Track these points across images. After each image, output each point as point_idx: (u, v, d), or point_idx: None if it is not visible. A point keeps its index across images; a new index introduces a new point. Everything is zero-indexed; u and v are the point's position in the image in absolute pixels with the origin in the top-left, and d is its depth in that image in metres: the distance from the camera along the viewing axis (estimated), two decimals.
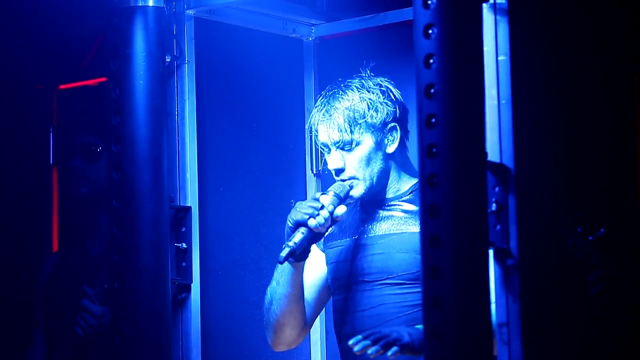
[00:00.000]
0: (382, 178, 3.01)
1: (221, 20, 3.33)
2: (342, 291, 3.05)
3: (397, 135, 3.01)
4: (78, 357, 3.53)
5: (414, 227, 2.95)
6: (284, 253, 2.86)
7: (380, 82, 3.02)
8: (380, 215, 3.03)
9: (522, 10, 2.31)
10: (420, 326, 2.71)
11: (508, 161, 2.26)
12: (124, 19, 2.89)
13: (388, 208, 3.03)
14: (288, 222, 2.92)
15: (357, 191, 2.99)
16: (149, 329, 2.86)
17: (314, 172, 3.59)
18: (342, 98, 2.99)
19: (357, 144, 2.98)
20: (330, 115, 2.98)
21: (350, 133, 2.97)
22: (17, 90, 4.04)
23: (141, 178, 2.88)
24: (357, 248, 3.03)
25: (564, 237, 2.37)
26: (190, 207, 3.10)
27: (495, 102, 2.28)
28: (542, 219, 2.31)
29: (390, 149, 3.00)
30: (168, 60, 3.06)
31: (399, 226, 2.99)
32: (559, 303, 2.34)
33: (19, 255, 4.01)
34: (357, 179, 2.99)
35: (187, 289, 3.10)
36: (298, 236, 2.88)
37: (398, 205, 3.02)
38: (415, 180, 3.02)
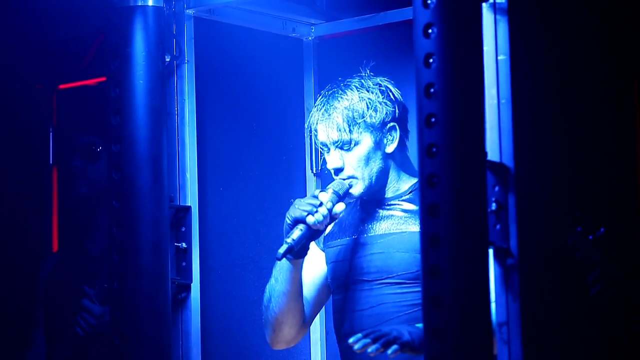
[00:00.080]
0: (381, 177, 3.01)
1: (221, 19, 3.33)
2: (342, 290, 3.05)
3: (396, 134, 3.01)
4: (78, 356, 3.53)
5: (414, 227, 2.96)
6: (282, 249, 2.86)
7: (380, 82, 3.02)
8: (380, 214, 3.03)
9: (521, 10, 2.31)
10: (420, 325, 2.71)
11: (508, 161, 2.26)
12: (123, 19, 2.89)
13: (388, 207, 3.03)
14: (286, 219, 2.92)
15: (356, 190, 2.99)
16: (149, 329, 2.86)
17: (314, 171, 3.59)
18: (342, 97, 2.99)
19: (356, 143, 2.98)
20: (330, 115, 2.98)
21: (349, 132, 2.97)
22: (17, 90, 4.04)
23: (141, 178, 2.88)
24: (356, 247, 3.03)
25: (564, 236, 2.37)
26: (190, 207, 3.10)
27: (495, 101, 2.28)
28: (542, 218, 2.31)
29: (390, 148, 3.01)
30: (168, 59, 3.06)
31: (399, 225, 2.99)
32: (559, 302, 2.34)
33: (19, 255, 4.01)
34: (356, 178, 2.99)
35: (187, 288, 3.10)
36: (296, 233, 2.89)
37: (398, 204, 3.02)
38: (415, 180, 3.02)
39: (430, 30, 2.19)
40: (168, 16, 3.05)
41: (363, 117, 2.97)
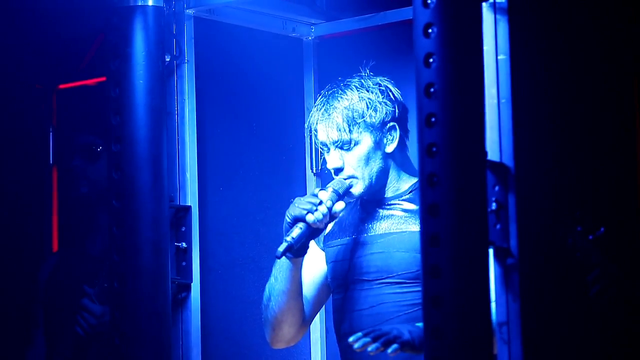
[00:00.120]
0: (381, 177, 3.01)
1: (221, 19, 3.33)
2: (342, 290, 3.05)
3: (396, 134, 3.01)
4: (78, 356, 3.53)
5: (414, 226, 2.96)
6: (281, 248, 2.86)
7: (380, 82, 3.02)
8: (380, 214, 3.04)
9: (521, 10, 2.31)
10: (420, 324, 2.71)
11: (508, 160, 2.26)
12: (123, 19, 2.89)
13: (388, 207, 3.03)
14: (286, 218, 2.92)
15: (356, 190, 3.00)
16: (149, 329, 2.86)
17: (314, 171, 3.60)
18: (341, 97, 2.99)
19: (356, 143, 2.98)
20: (329, 115, 2.98)
21: (349, 132, 2.97)
22: (16, 90, 4.04)
23: (141, 178, 2.88)
24: (356, 247, 3.03)
25: (564, 236, 2.37)
26: (190, 207, 3.10)
27: (495, 101, 2.28)
28: (542, 218, 2.31)
29: (390, 148, 3.01)
30: (168, 59, 3.06)
31: (399, 225, 2.99)
32: (559, 302, 2.34)
33: (18, 255, 4.01)
34: (357, 178, 2.99)
35: (187, 288, 3.10)
36: (296, 231, 2.89)
37: (398, 204, 3.02)
38: (415, 180, 3.02)
39: (430, 30, 2.19)
40: (168, 16, 3.05)
41: (363, 117, 2.97)
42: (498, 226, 2.25)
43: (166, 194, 2.94)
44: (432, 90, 2.18)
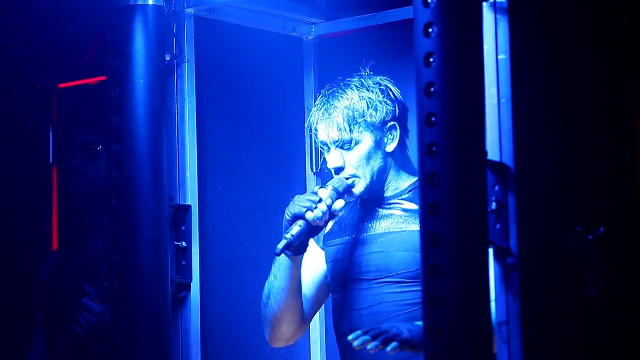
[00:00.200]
0: (381, 176, 3.02)
1: (221, 18, 3.33)
2: (341, 289, 3.05)
3: (396, 133, 3.01)
4: (78, 355, 3.53)
5: (414, 226, 2.96)
6: (280, 245, 2.87)
7: (380, 81, 3.03)
8: (380, 213, 3.04)
9: (522, 9, 2.31)
10: (419, 322, 2.71)
11: (508, 160, 2.26)
12: (123, 17, 2.89)
13: (388, 206, 3.03)
14: (286, 215, 2.93)
15: (357, 189, 3.00)
16: (149, 328, 2.86)
17: (314, 170, 3.60)
18: (342, 97, 2.99)
19: (357, 142, 2.98)
20: (330, 114, 2.98)
21: (349, 132, 2.97)
22: (16, 89, 4.04)
23: (141, 176, 2.88)
24: (356, 246, 3.03)
25: (563, 235, 2.37)
26: (189, 206, 3.10)
27: (495, 100, 2.28)
28: (541, 217, 2.31)
29: (390, 147, 3.01)
30: (168, 58, 3.06)
31: (399, 224, 2.99)
32: (559, 302, 2.35)
33: (18, 253, 4.01)
34: (357, 177, 2.99)
35: (187, 287, 3.10)
36: (295, 229, 2.89)
37: (398, 203, 3.02)
38: (414, 179, 3.02)
39: (430, 30, 2.19)
40: (168, 15, 3.05)
41: (363, 116, 2.97)
42: (498, 226, 2.25)
43: (166, 193, 2.94)
44: (432, 89, 2.18)
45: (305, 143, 3.60)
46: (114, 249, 2.87)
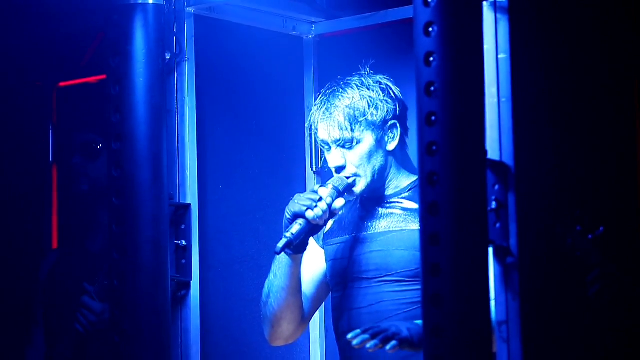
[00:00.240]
0: (382, 175, 3.02)
1: (221, 17, 3.33)
2: (341, 288, 3.05)
3: (397, 132, 3.01)
4: (78, 354, 3.53)
5: (414, 225, 2.96)
6: (280, 244, 2.87)
7: (380, 80, 3.03)
8: (380, 212, 3.04)
9: (522, 9, 2.31)
10: (419, 321, 2.71)
11: (508, 159, 2.26)
12: (124, 16, 2.89)
13: (388, 205, 3.03)
14: (286, 214, 2.93)
15: (358, 188, 3.00)
16: (149, 326, 2.86)
17: (314, 169, 3.60)
18: (342, 96, 2.99)
19: (358, 141, 2.98)
20: (331, 114, 2.98)
21: (350, 131, 2.97)
22: (16, 87, 4.04)
23: (141, 175, 2.88)
24: (356, 245, 3.03)
25: (563, 235, 2.37)
26: (189, 205, 3.10)
27: (495, 100, 2.28)
28: (541, 217, 2.31)
29: (391, 146, 3.01)
30: (168, 57, 3.06)
31: (399, 224, 2.99)
32: (559, 301, 2.35)
33: (18, 252, 4.01)
34: (359, 176, 2.99)
35: (187, 286, 3.10)
36: (295, 227, 2.89)
37: (397, 202, 3.02)
38: (414, 177, 3.02)
39: (430, 29, 2.19)
40: (168, 14, 3.05)
41: (365, 115, 2.97)
42: (498, 225, 2.25)
43: (166, 191, 2.94)
44: (432, 89, 2.18)
45: (305, 142, 3.60)
46: (114, 248, 2.87)
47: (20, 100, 4.06)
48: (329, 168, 3.04)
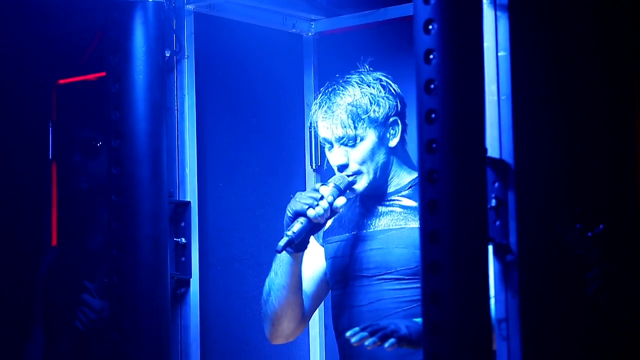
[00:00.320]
0: (385, 172, 3.02)
1: (221, 15, 3.33)
2: (341, 286, 3.05)
3: (398, 129, 3.01)
4: (77, 351, 3.53)
5: (413, 223, 2.96)
6: (282, 242, 2.87)
7: (380, 77, 3.03)
8: (380, 210, 3.04)
9: (522, 6, 2.31)
10: (418, 319, 2.71)
11: (508, 157, 2.26)
12: (124, 14, 2.89)
13: (387, 203, 3.03)
14: (287, 212, 2.92)
15: (361, 186, 2.99)
16: (148, 324, 2.86)
17: (314, 167, 3.60)
18: (344, 94, 2.99)
19: (361, 139, 2.98)
20: (333, 112, 2.98)
21: (354, 129, 2.96)
22: (16, 85, 4.04)
23: (140, 173, 2.88)
24: (356, 243, 3.03)
25: (563, 233, 2.37)
26: (189, 202, 3.10)
27: (495, 98, 2.28)
28: (541, 215, 2.31)
29: (393, 142, 3.01)
30: (168, 55, 3.06)
31: (398, 221, 2.99)
32: (558, 299, 2.35)
33: (18, 250, 4.01)
34: (362, 173, 2.99)
35: (186, 283, 3.10)
36: (297, 226, 2.89)
37: (397, 200, 3.02)
38: (414, 174, 3.02)
39: (430, 27, 2.18)
40: (168, 11, 3.05)
41: (367, 112, 2.97)
42: (497, 223, 2.25)
43: (166, 189, 2.94)
44: (432, 86, 2.18)
45: (305, 140, 3.60)
46: (114, 245, 2.86)
47: (20, 97, 4.05)
48: (329, 166, 3.04)
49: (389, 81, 3.03)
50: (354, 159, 2.98)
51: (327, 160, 3.05)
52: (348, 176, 2.98)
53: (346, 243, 3.06)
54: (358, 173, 2.99)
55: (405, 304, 2.94)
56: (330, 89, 3.02)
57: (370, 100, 2.98)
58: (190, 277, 3.10)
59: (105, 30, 2.96)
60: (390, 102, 3.00)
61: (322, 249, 3.13)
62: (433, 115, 2.17)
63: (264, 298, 3.06)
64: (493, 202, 2.25)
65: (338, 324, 3.05)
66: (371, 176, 2.99)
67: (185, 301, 3.10)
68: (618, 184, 2.57)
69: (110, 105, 2.89)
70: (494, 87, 2.28)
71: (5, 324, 3.89)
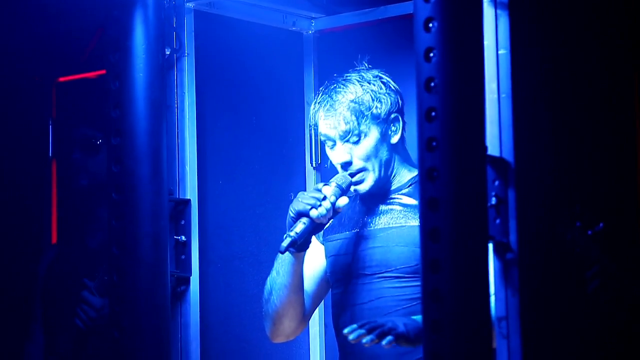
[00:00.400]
0: (388, 169, 3.02)
1: (221, 13, 3.33)
2: (341, 284, 3.05)
3: (399, 125, 3.01)
4: (77, 349, 3.53)
5: (413, 221, 2.96)
6: (285, 243, 2.86)
7: (379, 74, 3.03)
8: (380, 208, 3.03)
9: (522, 4, 2.31)
10: (416, 317, 2.71)
11: (508, 155, 2.26)
12: (124, 11, 2.89)
13: (388, 201, 3.03)
14: (290, 212, 2.92)
15: (367, 183, 2.99)
16: (148, 322, 2.86)
17: (314, 165, 3.59)
18: (345, 91, 2.98)
19: (365, 135, 2.97)
20: (335, 109, 2.97)
21: (357, 125, 2.96)
22: (16, 82, 4.04)
23: (141, 171, 2.88)
24: (356, 241, 3.03)
25: (563, 231, 2.37)
26: (189, 200, 3.10)
27: (495, 96, 2.28)
28: (541, 213, 2.31)
29: (394, 139, 3.01)
30: (168, 53, 3.06)
31: (399, 220, 2.99)
32: (558, 297, 2.35)
33: (17, 248, 4.01)
34: (367, 170, 2.98)
35: (186, 281, 3.10)
36: (299, 226, 2.89)
37: (397, 198, 3.02)
38: (414, 173, 3.02)
39: (430, 25, 2.18)
40: (168, 9, 3.05)
41: (370, 109, 2.97)
42: (498, 221, 2.25)
43: (166, 187, 2.94)
44: (432, 84, 2.18)
45: (305, 138, 3.59)
46: (114, 243, 2.86)
47: (20, 95, 4.05)
48: (331, 164, 3.04)
49: (388, 78, 3.03)
50: (357, 155, 2.98)
51: (330, 160, 3.04)
52: (352, 174, 2.98)
53: (346, 241, 3.05)
54: (363, 170, 2.98)
55: (405, 302, 2.94)
56: (330, 88, 3.01)
57: (371, 97, 2.98)
58: (190, 275, 3.10)
59: (105, 28, 2.95)
60: (392, 98, 3.00)
61: (322, 247, 3.12)
62: (433, 113, 2.17)
63: (265, 297, 3.06)
64: (493, 200, 2.25)
65: (338, 322, 3.05)
66: (376, 173, 2.99)
67: (185, 299, 3.10)
68: (618, 182, 2.57)
69: (110, 103, 2.89)
70: (494, 85, 2.28)
71: (5, 323, 3.89)
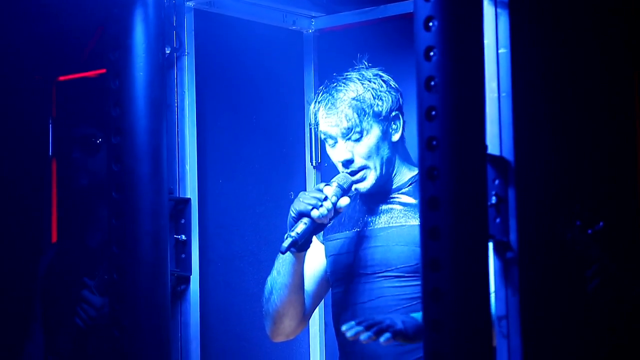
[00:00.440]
0: (389, 167, 3.02)
1: (221, 12, 3.33)
2: (341, 284, 3.05)
3: (400, 123, 3.02)
4: (77, 348, 3.53)
5: (414, 220, 2.96)
6: (286, 243, 2.86)
7: (379, 72, 3.03)
8: (380, 208, 3.03)
9: (522, 3, 2.31)
10: (415, 314, 2.71)
11: (508, 154, 2.26)
12: (124, 10, 2.89)
13: (388, 201, 3.03)
14: (291, 212, 2.92)
15: (368, 182, 2.99)
16: (148, 321, 2.86)
17: (314, 164, 3.59)
18: (346, 89, 2.99)
19: (367, 133, 2.97)
20: (337, 107, 2.97)
21: (359, 123, 2.96)
22: (16, 81, 4.03)
23: (141, 170, 2.88)
24: (356, 240, 3.03)
25: (563, 230, 2.37)
26: (189, 199, 3.10)
27: (496, 95, 2.28)
28: (541, 212, 2.31)
29: (395, 137, 3.01)
30: (168, 51, 3.06)
31: (399, 219, 2.99)
32: (558, 296, 2.35)
33: (17, 247, 4.01)
34: (369, 168, 2.98)
35: (186, 280, 3.10)
36: (301, 226, 2.89)
37: (397, 197, 3.02)
38: (415, 172, 3.02)
39: (431, 23, 2.18)
40: (168, 8, 3.05)
41: (372, 107, 2.97)
42: (498, 220, 2.25)
43: (166, 186, 2.94)
44: (432, 83, 2.18)
45: (305, 137, 3.59)
46: (114, 242, 2.86)
47: (20, 94, 4.05)
48: (330, 163, 3.04)
49: (388, 77, 3.03)
50: (359, 153, 2.98)
51: (330, 159, 3.04)
52: (353, 173, 2.98)
53: (346, 240, 3.05)
54: (364, 168, 2.98)
55: (405, 301, 2.94)
56: (331, 87, 3.01)
57: (372, 95, 2.98)
58: (190, 274, 3.10)
59: (105, 27, 2.95)
60: (392, 96, 3.01)
61: (322, 247, 3.12)
62: (433, 113, 2.17)
63: (265, 296, 3.06)
64: (493, 200, 2.25)
65: (338, 321, 3.05)
66: (378, 171, 2.99)
67: (185, 298, 3.10)
68: (618, 181, 2.57)
69: (110, 102, 2.89)
70: (494, 84, 2.28)
71: (5, 322, 3.89)
